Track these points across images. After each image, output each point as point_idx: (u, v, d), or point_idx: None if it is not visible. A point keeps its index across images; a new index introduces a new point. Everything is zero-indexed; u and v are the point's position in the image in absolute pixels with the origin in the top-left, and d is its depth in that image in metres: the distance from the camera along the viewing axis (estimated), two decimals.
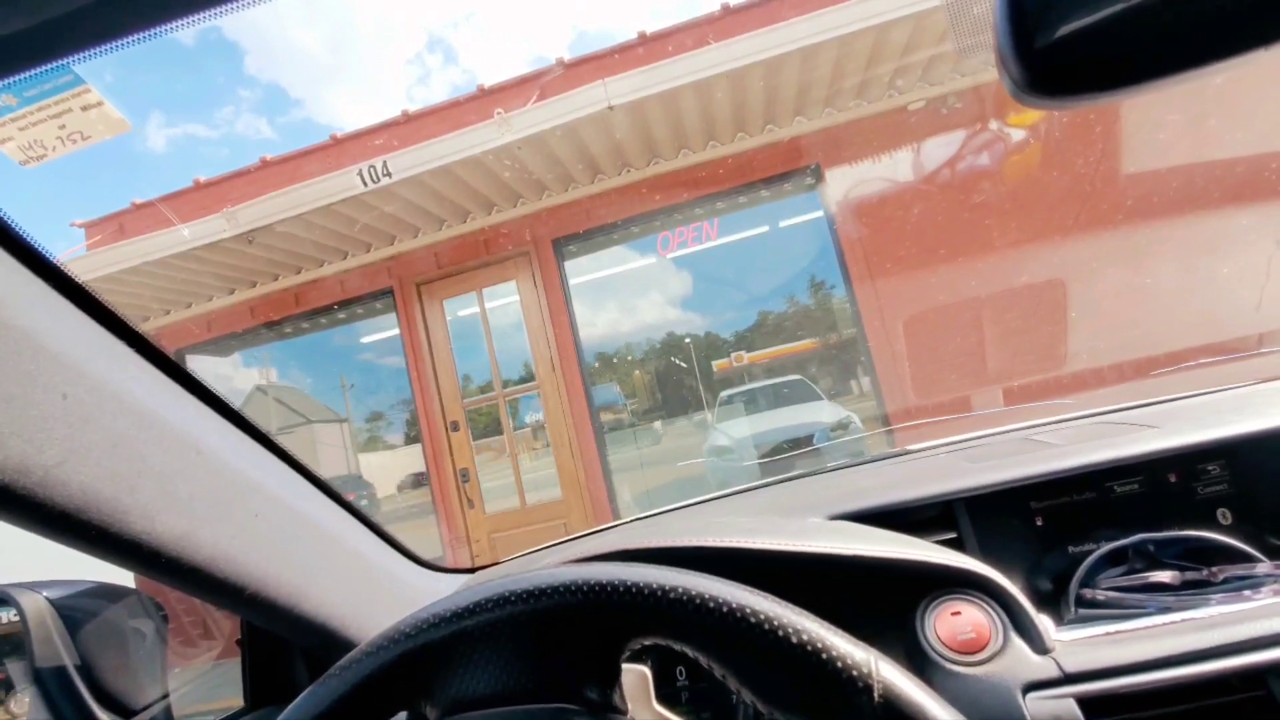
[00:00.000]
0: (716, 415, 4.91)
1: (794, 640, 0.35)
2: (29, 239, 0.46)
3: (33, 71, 0.37)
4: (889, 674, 0.34)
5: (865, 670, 0.34)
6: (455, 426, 4.67)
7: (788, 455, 4.01)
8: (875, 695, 0.33)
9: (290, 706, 0.40)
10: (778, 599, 0.38)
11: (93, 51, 0.38)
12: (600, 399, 4.69)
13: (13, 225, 0.45)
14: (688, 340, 5.16)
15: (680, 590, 0.38)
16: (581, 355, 4.54)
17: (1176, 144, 3.72)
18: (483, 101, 4.30)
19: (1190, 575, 0.68)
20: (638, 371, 5.20)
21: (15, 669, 0.88)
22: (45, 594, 0.80)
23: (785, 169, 4.33)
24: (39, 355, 0.43)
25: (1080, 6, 0.33)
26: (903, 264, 4.06)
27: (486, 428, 4.88)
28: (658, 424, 5.08)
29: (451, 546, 4.53)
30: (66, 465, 0.43)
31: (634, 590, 0.38)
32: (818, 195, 4.42)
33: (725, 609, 0.37)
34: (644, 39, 4.26)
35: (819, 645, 0.35)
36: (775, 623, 0.36)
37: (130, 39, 0.37)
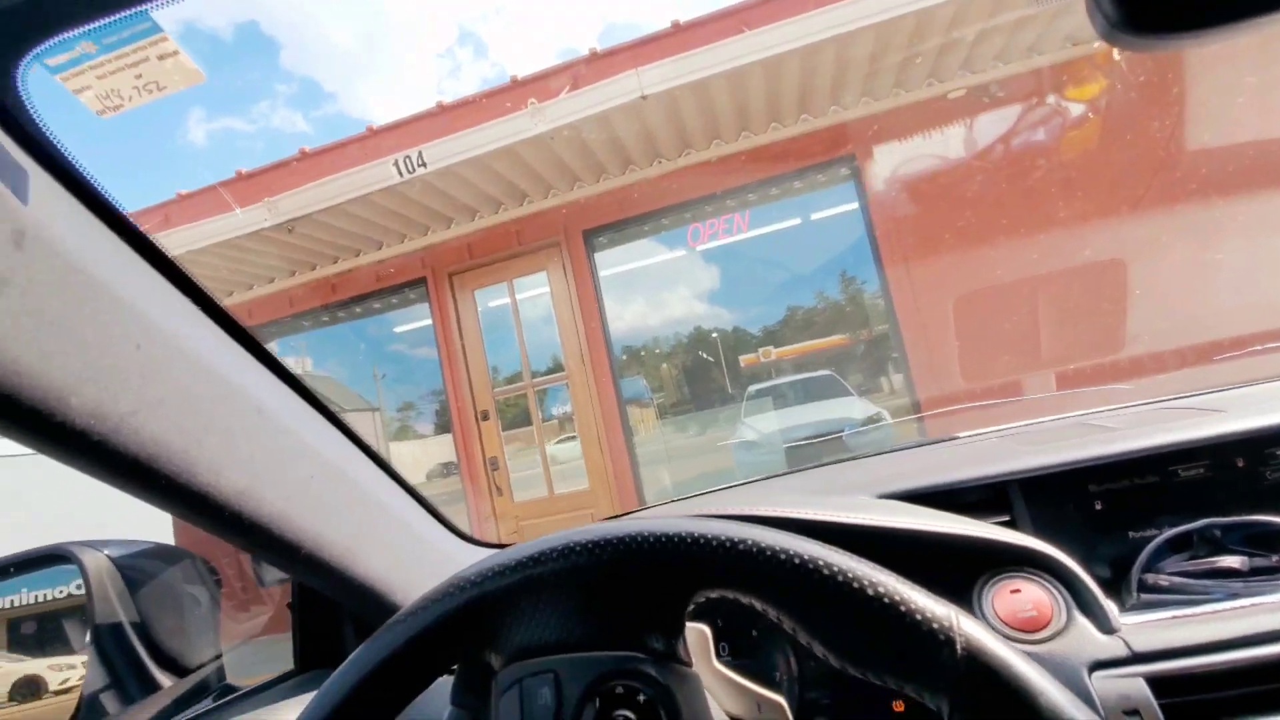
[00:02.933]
0: (744, 410, 4.87)
1: (869, 593, 0.34)
2: (103, 191, 0.47)
3: (113, 18, 0.38)
4: (971, 629, 0.33)
5: (946, 624, 0.33)
6: (485, 416, 4.72)
7: (818, 441, 3.92)
8: (958, 649, 0.32)
9: (358, 649, 0.41)
10: (850, 553, 0.37)
11: None
12: (628, 392, 4.70)
13: (92, 181, 0.46)
14: (715, 335, 5.12)
15: (750, 542, 0.37)
16: (610, 348, 4.54)
17: (1249, 114, 3.42)
18: (516, 92, 4.31)
19: (1259, 561, 0.65)
20: (665, 365, 5.18)
21: (73, 629, 0.92)
22: (106, 552, 0.82)
23: (820, 159, 4.27)
24: (116, 306, 0.44)
25: None
26: (942, 256, 3.96)
27: (515, 418, 4.92)
28: (685, 417, 5.07)
29: (479, 528, 4.58)
30: (139, 415, 0.44)
31: (702, 541, 0.38)
32: (853, 186, 4.34)
33: (797, 560, 0.36)
34: (677, 27, 4.23)
35: (897, 598, 0.34)
36: (849, 575, 0.35)
37: None
